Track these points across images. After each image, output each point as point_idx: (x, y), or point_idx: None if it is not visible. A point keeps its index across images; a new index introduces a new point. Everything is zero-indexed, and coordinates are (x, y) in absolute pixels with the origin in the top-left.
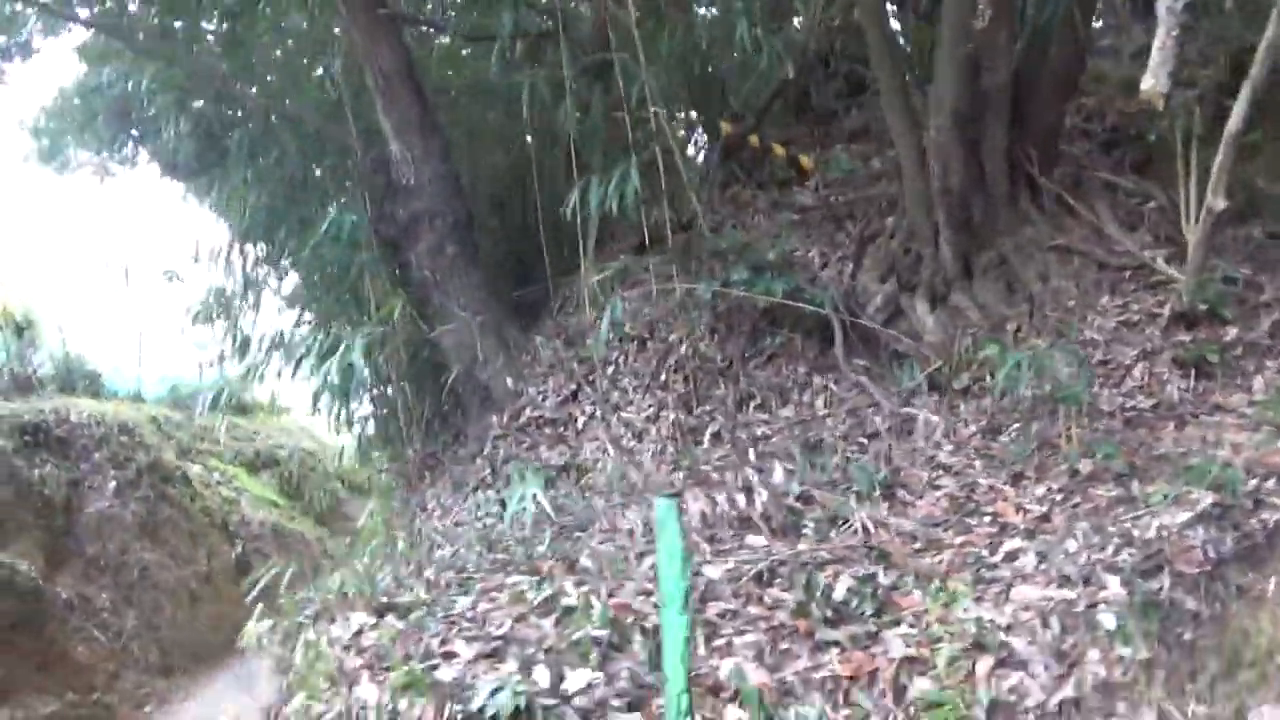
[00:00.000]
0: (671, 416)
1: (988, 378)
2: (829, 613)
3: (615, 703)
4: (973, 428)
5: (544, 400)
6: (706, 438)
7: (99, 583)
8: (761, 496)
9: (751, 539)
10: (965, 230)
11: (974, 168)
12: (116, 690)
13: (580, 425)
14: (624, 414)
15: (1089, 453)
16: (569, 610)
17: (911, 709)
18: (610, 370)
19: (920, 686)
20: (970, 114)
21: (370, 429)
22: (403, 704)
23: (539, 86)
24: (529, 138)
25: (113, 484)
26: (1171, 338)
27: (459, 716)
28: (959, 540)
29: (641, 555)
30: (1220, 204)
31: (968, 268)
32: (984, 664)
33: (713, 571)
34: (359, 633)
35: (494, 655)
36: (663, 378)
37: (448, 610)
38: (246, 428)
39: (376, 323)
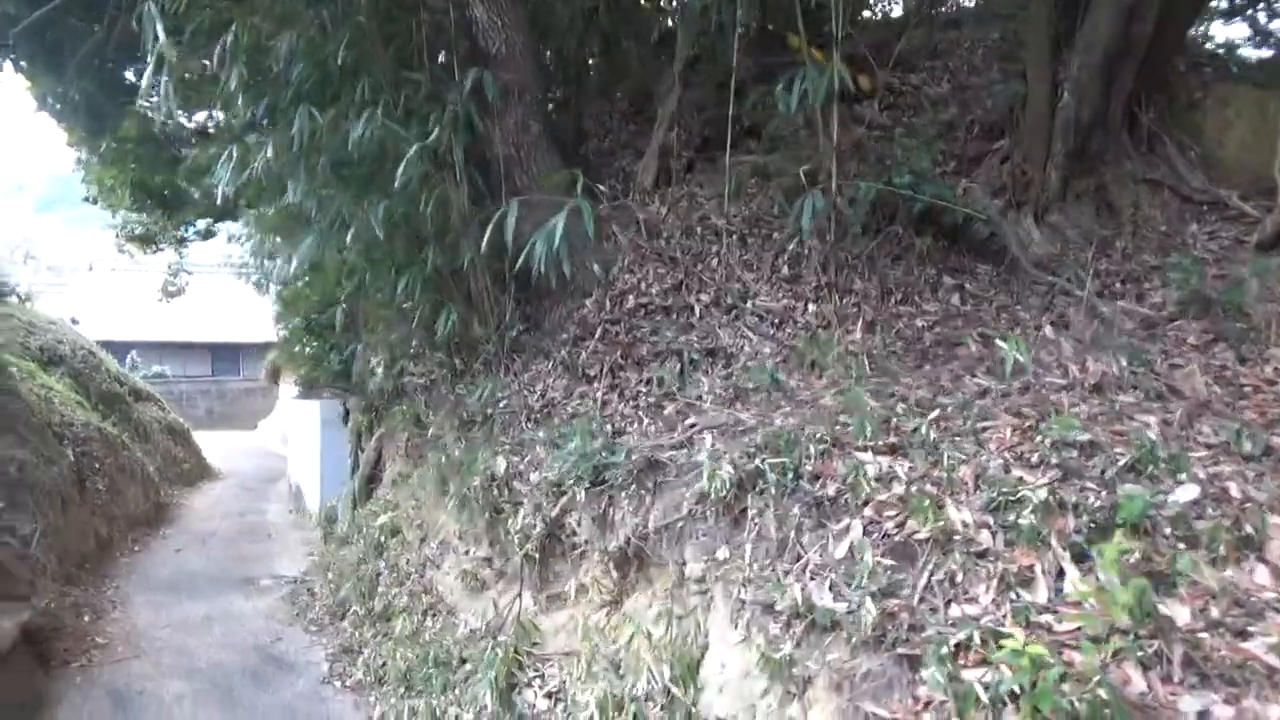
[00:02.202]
0: (812, 306)
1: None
2: None
3: None
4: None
5: (648, 287)
6: (859, 327)
7: None
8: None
9: None
10: (1076, 158)
11: (1102, 104)
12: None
13: (698, 313)
14: (758, 301)
15: None
16: None
17: None
18: (715, 262)
19: None
20: (1115, 56)
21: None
22: None
23: None
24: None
25: None
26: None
27: None
28: None
29: None
30: None
31: (1065, 192)
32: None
33: None
34: None
35: None
36: (785, 269)
37: None
38: (18, 320)
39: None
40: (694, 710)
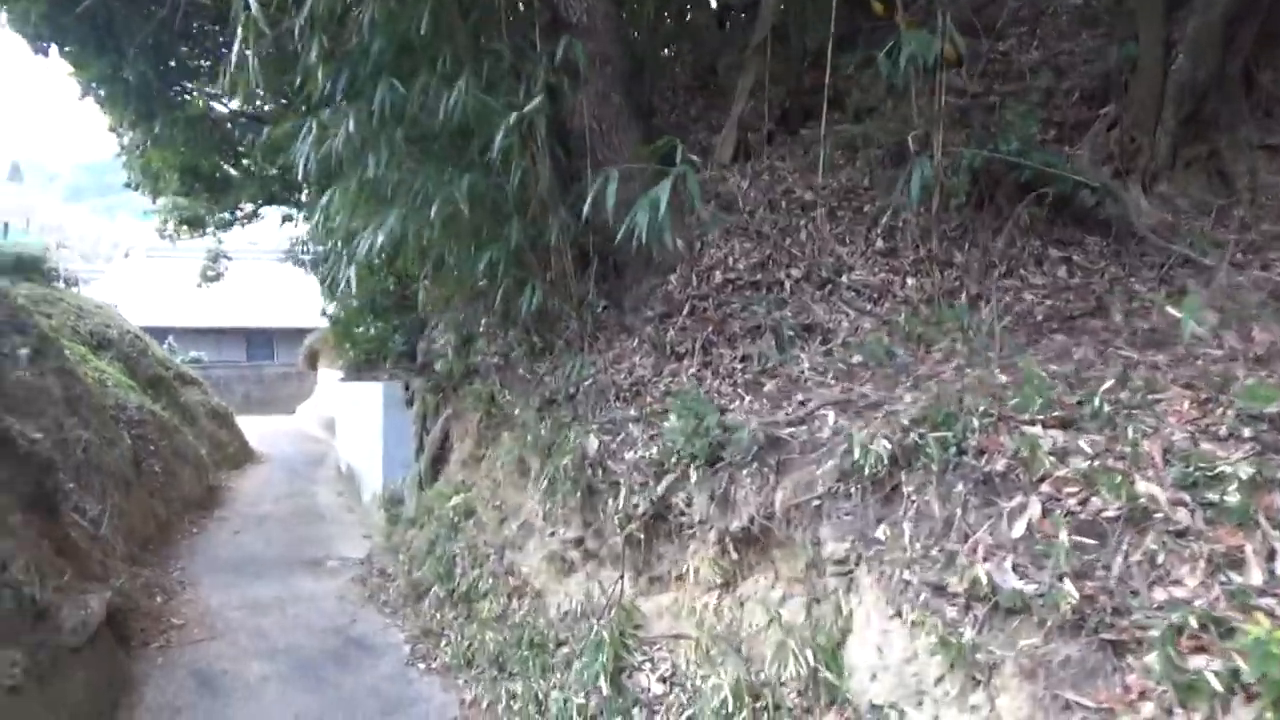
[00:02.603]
0: (911, 280)
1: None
2: None
3: None
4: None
5: (735, 262)
6: (963, 301)
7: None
8: None
9: None
10: (1188, 123)
11: (1218, 66)
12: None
13: (789, 288)
14: (854, 276)
15: None
16: None
17: None
18: (803, 236)
19: None
20: (1235, 15)
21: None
22: None
23: None
24: None
25: (23, 352)
26: None
27: None
28: None
29: None
30: None
31: (1174, 160)
32: None
33: None
34: None
35: None
36: (880, 243)
37: None
38: (68, 304)
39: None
40: (847, 696)
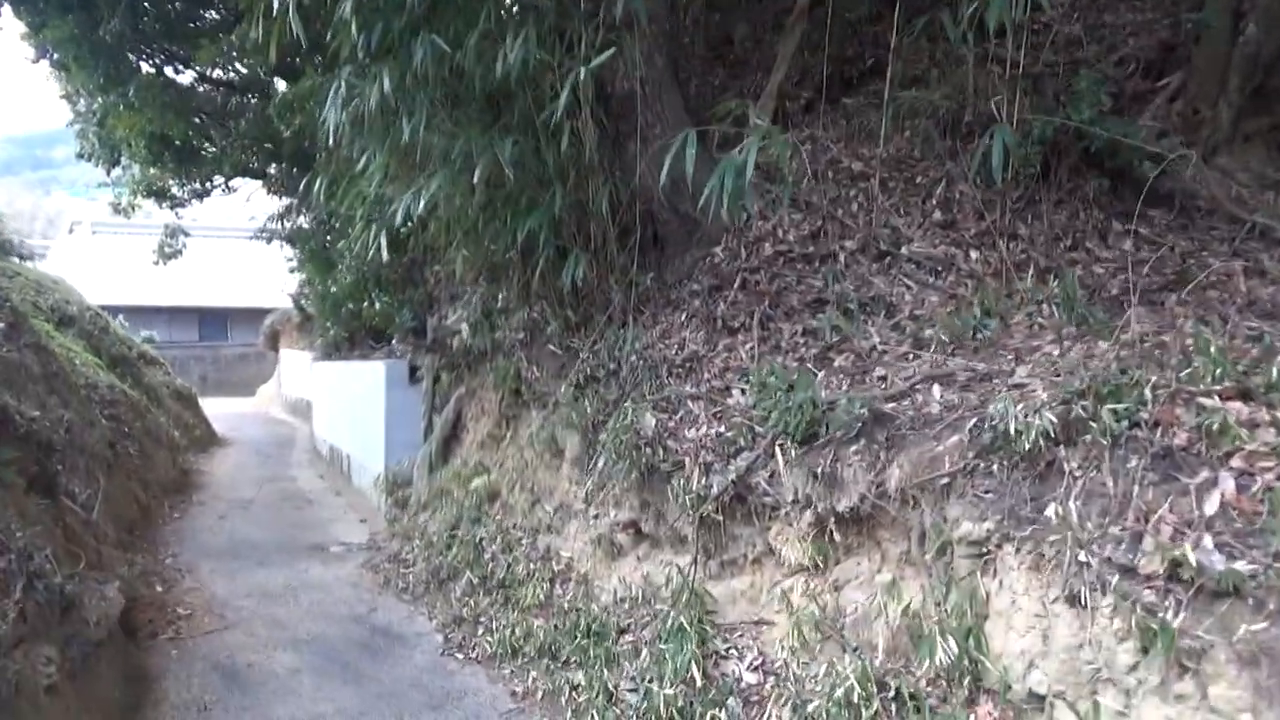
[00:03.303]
0: (974, 253)
1: None
2: None
3: None
4: None
5: (785, 234)
6: (1030, 274)
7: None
8: None
9: None
10: (1253, 95)
11: None
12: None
13: (843, 260)
14: (914, 248)
15: None
16: None
17: None
18: (855, 207)
19: None
20: None
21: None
22: None
23: None
24: None
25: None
26: None
27: None
28: None
29: None
30: None
31: (1234, 132)
32: None
33: None
34: None
35: None
36: (938, 214)
37: None
38: (25, 278)
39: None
40: (1010, 687)
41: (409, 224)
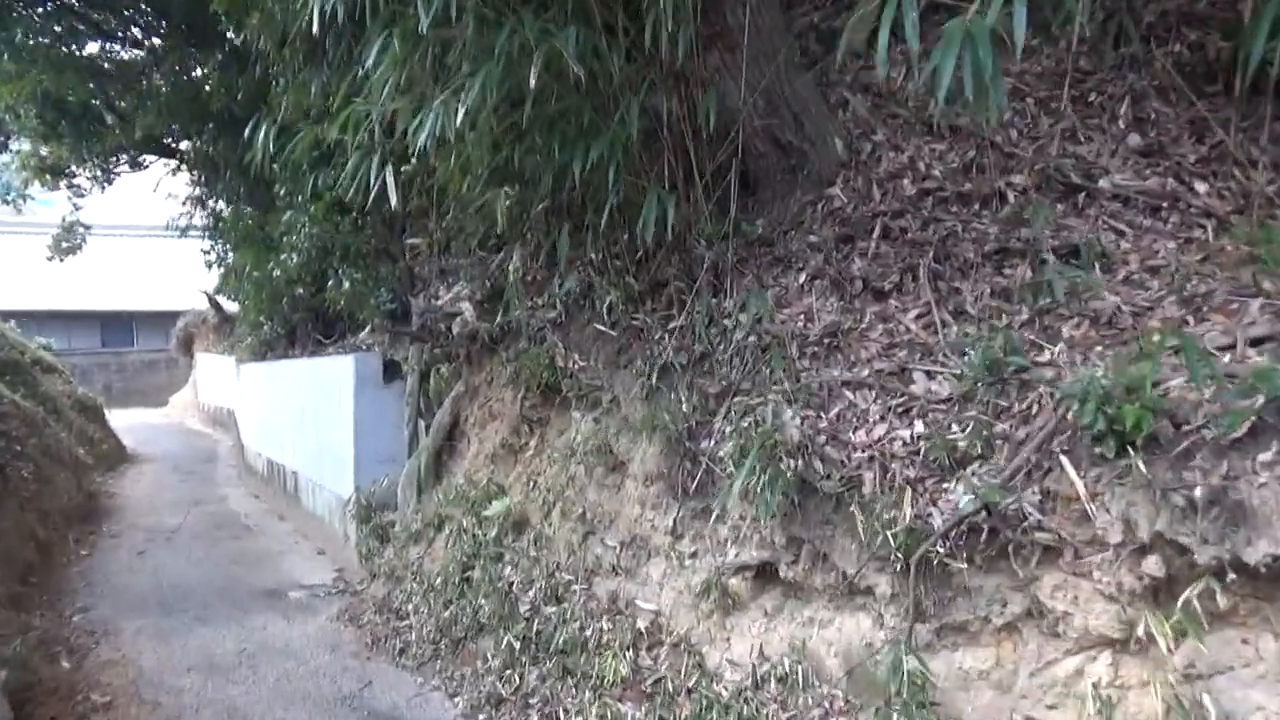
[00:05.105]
0: (1201, 185)
1: None
2: None
3: None
4: None
5: (929, 168)
6: None
7: None
8: None
9: None
10: None
11: None
12: None
13: (1012, 199)
14: (1115, 181)
15: None
16: None
17: None
18: (1014, 134)
19: None
20: None
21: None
22: None
23: None
24: None
25: None
26: None
27: None
28: None
29: None
30: None
31: None
32: None
33: None
34: None
35: None
36: (1133, 138)
37: None
38: None
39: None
40: None
41: (414, 159)
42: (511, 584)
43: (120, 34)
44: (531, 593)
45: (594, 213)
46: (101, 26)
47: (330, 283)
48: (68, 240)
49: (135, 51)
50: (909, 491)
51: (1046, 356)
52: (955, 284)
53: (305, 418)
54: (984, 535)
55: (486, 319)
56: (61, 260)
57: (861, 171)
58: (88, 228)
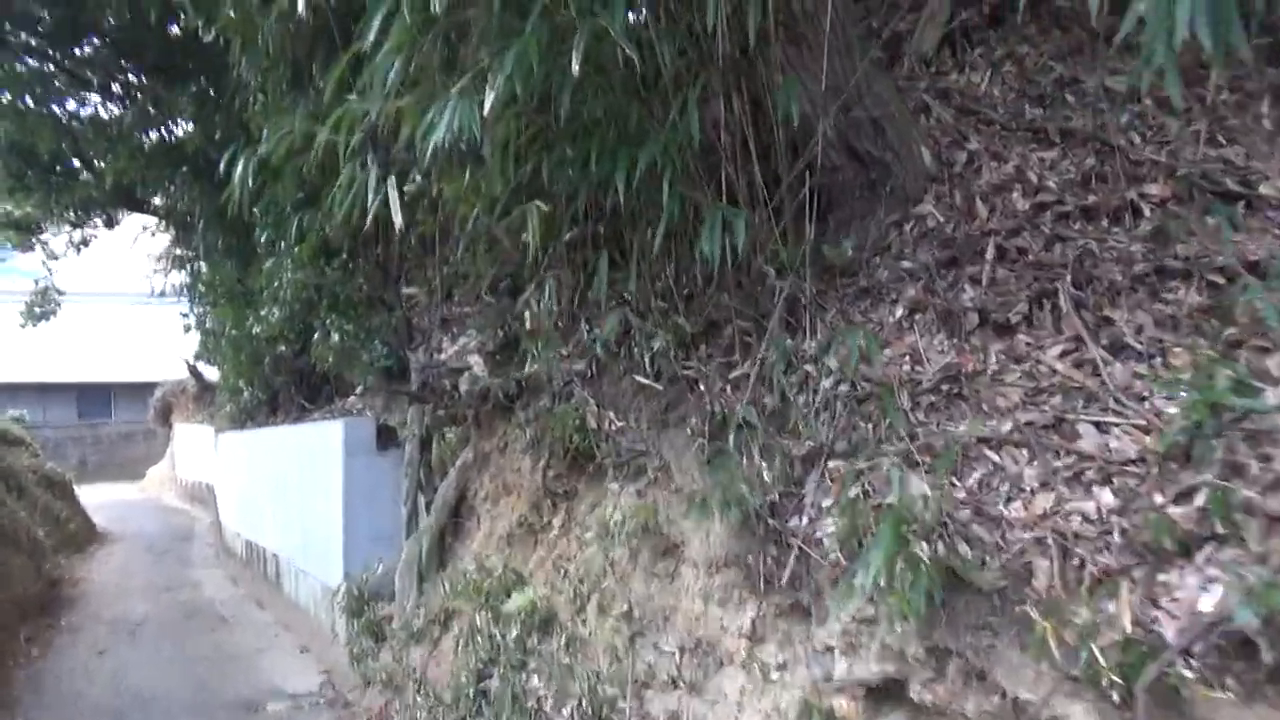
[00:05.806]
0: None
1: None
2: None
3: None
4: None
5: (1041, 178)
6: None
7: None
8: None
9: None
10: None
11: None
12: None
13: (1147, 211)
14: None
15: None
16: None
17: None
18: (1137, 138)
19: None
20: None
21: None
22: None
23: None
24: None
25: None
26: None
27: None
28: None
29: None
30: None
31: None
32: None
33: None
34: None
35: None
36: None
37: None
38: None
39: None
40: None
41: (418, 177)
42: (540, 698)
43: (96, 83)
44: (567, 710)
45: (640, 237)
46: (75, 74)
47: (316, 336)
48: (41, 305)
49: (109, 104)
50: (1123, 586)
51: (1273, 400)
52: (1104, 313)
53: (288, 493)
54: (1241, 649)
55: (499, 374)
56: (35, 326)
57: (957, 185)
58: (62, 293)
